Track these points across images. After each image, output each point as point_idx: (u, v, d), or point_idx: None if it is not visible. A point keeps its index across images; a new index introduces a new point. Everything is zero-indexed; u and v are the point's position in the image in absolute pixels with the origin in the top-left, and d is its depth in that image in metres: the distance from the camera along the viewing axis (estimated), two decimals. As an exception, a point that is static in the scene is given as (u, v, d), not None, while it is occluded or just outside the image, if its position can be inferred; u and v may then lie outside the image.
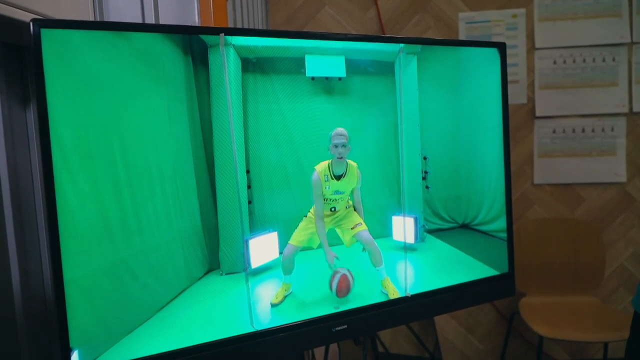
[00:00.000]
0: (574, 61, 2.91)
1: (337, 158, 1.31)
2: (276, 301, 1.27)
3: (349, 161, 1.34)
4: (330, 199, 1.37)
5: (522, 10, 2.92)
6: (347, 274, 1.33)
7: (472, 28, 2.97)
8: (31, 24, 0.93)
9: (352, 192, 1.40)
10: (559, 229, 2.90)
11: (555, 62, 2.92)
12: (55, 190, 0.95)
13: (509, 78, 2.92)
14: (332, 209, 1.39)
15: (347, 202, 1.41)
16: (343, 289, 1.32)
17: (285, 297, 1.29)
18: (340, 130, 1.30)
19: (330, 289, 1.32)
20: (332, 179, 1.34)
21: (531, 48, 2.93)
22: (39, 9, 1.01)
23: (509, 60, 2.87)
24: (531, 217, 3.00)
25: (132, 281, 1.06)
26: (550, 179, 2.99)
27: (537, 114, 2.95)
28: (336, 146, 1.31)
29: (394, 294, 1.37)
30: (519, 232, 2.88)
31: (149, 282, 1.09)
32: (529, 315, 2.62)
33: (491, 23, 2.96)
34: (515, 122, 2.95)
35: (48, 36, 0.94)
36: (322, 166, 1.32)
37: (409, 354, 3.12)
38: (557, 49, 2.91)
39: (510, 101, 2.94)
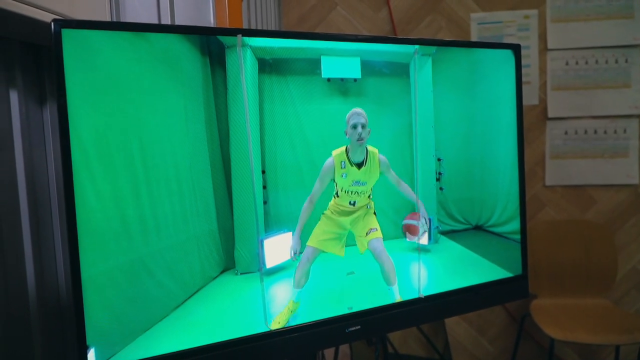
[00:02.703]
0: (587, 62, 2.89)
1: (357, 141, 1.16)
2: (276, 327, 1.20)
3: (369, 147, 1.23)
4: (350, 191, 1.23)
5: (535, 12, 2.91)
6: None
7: (484, 29, 2.96)
8: (52, 24, 0.94)
9: (375, 184, 1.28)
10: (571, 231, 2.88)
11: (567, 64, 2.90)
12: (74, 187, 0.96)
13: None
14: (352, 203, 1.27)
15: (369, 200, 1.32)
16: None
17: (288, 319, 1.22)
18: (358, 109, 1.16)
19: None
20: (352, 166, 1.19)
21: (543, 49, 2.92)
22: (56, 8, 1.02)
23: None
24: (543, 219, 2.98)
25: (149, 279, 1.07)
26: (562, 180, 2.97)
27: (549, 115, 2.93)
28: (354, 127, 1.16)
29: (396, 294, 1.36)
30: (530, 233, 2.86)
31: (165, 281, 1.09)
32: (540, 317, 2.60)
33: (503, 24, 2.95)
34: (527, 123, 2.94)
35: (68, 36, 0.95)
36: (338, 151, 1.18)
37: (419, 355, 3.11)
38: (569, 50, 2.89)
39: (523, 102, 2.92)
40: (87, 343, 0.99)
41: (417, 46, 1.36)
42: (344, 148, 1.23)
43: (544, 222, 2.92)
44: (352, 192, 1.25)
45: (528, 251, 2.73)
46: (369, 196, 1.33)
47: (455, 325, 3.10)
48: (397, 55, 1.34)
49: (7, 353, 1.02)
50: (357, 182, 1.22)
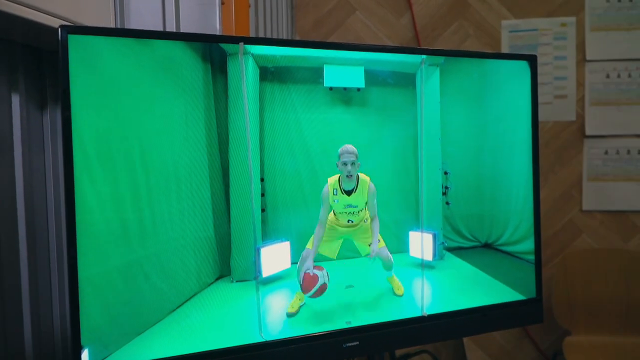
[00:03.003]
0: (630, 75, 2.97)
1: (346, 177, 1.45)
2: (292, 310, 1.42)
3: (361, 175, 1.48)
4: (344, 213, 1.51)
5: (572, 19, 3.01)
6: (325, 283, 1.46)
7: (516, 37, 3.06)
8: (59, 30, 1.09)
9: (366, 205, 1.53)
10: (610, 261, 2.92)
11: (608, 76, 2.99)
12: (75, 189, 1.11)
13: (556, 92, 3.02)
14: (350, 222, 1.53)
15: (365, 215, 1.54)
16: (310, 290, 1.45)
17: (300, 307, 1.44)
18: (349, 147, 1.44)
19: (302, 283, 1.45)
20: (342, 194, 1.48)
21: (581, 60, 3.01)
22: (61, 12, 1.16)
23: (556, 73, 2.98)
24: (579, 247, 3.06)
25: (144, 282, 1.23)
26: (601, 205, 3.04)
27: (587, 132, 3.01)
28: (345, 164, 1.44)
29: (399, 289, 1.54)
30: (564, 263, 2.93)
31: (161, 285, 1.25)
32: (574, 356, 2.65)
33: (538, 32, 3.05)
34: (562, 141, 3.04)
35: (73, 41, 1.10)
36: (333, 180, 1.47)
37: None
38: (610, 62, 2.99)
39: (557, 118, 3.03)
40: (82, 343, 1.13)
41: (424, 56, 1.51)
42: (337, 177, 1.48)
43: (580, 251, 3.00)
44: (346, 213, 1.52)
45: (562, 282, 2.83)
46: (365, 213, 1.56)
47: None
48: (402, 65, 1.50)
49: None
50: (349, 205, 1.51)
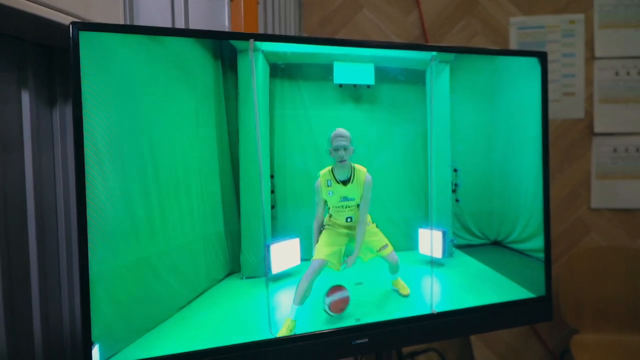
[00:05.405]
0: (639, 73, 2.98)
1: (339, 162, 1.40)
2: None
3: (357, 165, 1.45)
4: (341, 207, 1.45)
5: (581, 16, 3.02)
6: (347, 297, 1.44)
7: (524, 34, 3.08)
8: (70, 26, 1.10)
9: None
10: (619, 260, 2.94)
11: (617, 74, 3.00)
12: (86, 186, 1.12)
13: (565, 90, 3.02)
14: (348, 220, 1.48)
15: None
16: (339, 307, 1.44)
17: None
18: (340, 130, 1.39)
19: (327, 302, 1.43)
20: (337, 183, 1.42)
21: (590, 57, 3.03)
22: (70, 9, 1.16)
23: (565, 71, 2.98)
24: (587, 246, 3.06)
25: (155, 279, 1.24)
26: (610, 203, 3.05)
27: (596, 130, 3.02)
28: (336, 149, 1.39)
29: (404, 289, 1.53)
30: (571, 262, 2.95)
31: (171, 281, 1.26)
32: (581, 354, 2.66)
33: (546, 29, 3.06)
34: (570, 139, 3.04)
35: (84, 38, 1.11)
36: (324, 171, 1.42)
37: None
38: (619, 59, 3.00)
39: (566, 115, 3.03)
40: (92, 339, 1.15)
41: (434, 53, 1.52)
42: (329, 168, 1.44)
43: (588, 250, 3.00)
44: (343, 208, 1.47)
45: (569, 281, 2.83)
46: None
47: (482, 358, 3.17)
48: (412, 62, 1.50)
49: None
50: (345, 198, 1.45)
